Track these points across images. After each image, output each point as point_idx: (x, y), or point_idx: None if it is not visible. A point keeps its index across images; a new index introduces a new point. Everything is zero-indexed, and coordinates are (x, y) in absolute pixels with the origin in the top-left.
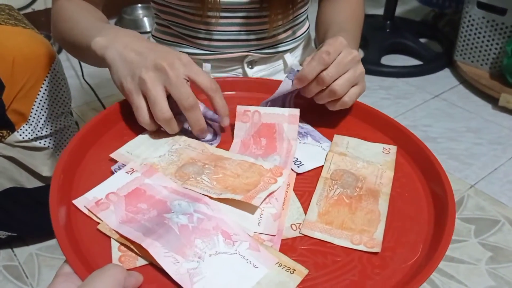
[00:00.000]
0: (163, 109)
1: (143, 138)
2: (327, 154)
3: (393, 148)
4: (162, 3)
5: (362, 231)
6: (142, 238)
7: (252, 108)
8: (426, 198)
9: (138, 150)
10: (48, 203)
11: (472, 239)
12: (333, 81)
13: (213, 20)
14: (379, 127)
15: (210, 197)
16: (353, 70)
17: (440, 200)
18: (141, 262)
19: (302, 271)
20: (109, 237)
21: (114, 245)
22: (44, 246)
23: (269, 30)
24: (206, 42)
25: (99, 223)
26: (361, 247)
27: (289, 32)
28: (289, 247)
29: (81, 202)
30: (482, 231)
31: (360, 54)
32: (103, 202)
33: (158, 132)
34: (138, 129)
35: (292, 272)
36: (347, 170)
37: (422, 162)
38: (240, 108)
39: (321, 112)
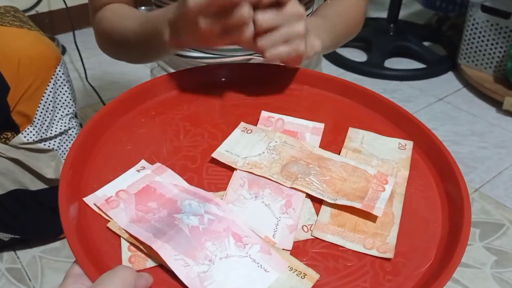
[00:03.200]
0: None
1: (237, 136)
2: (340, 151)
3: (409, 144)
4: (164, 6)
5: (375, 234)
6: (152, 240)
7: (276, 116)
8: (441, 200)
9: (237, 148)
10: (51, 206)
11: (477, 243)
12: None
13: None
14: (394, 120)
15: (326, 202)
16: (288, 26)
17: (455, 203)
18: (151, 263)
19: (313, 276)
20: (119, 236)
21: (124, 244)
22: (47, 248)
23: None
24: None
25: (109, 221)
26: (373, 252)
27: None
28: (300, 250)
29: (91, 200)
30: (487, 235)
31: (363, 57)
32: (113, 199)
33: (250, 130)
34: (144, 122)
35: (303, 277)
36: (362, 168)
37: (438, 161)
38: (264, 114)
39: (335, 103)
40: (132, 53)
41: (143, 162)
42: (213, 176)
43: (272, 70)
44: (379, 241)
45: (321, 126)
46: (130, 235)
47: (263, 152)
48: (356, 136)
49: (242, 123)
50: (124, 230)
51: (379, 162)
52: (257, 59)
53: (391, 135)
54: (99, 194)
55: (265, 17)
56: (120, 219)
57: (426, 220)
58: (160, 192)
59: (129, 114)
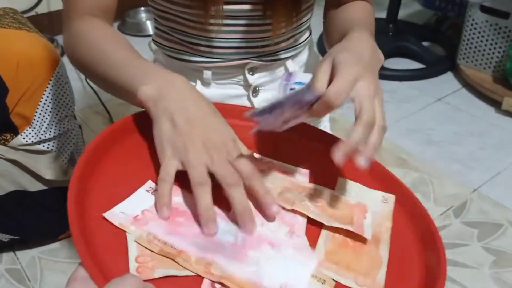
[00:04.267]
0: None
1: None
2: (330, 198)
3: (391, 198)
4: (162, 9)
5: (366, 274)
6: (200, 253)
7: (267, 158)
8: (417, 250)
9: None
10: (50, 207)
11: (475, 243)
12: None
13: (215, 27)
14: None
15: (323, 224)
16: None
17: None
18: (158, 274)
19: (331, 282)
20: (126, 247)
21: (132, 255)
22: (46, 249)
23: (272, 37)
24: (207, 49)
25: (117, 232)
26: None
27: (291, 40)
28: None
29: (113, 218)
30: (485, 235)
31: None
32: (140, 218)
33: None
34: (151, 145)
35: (323, 283)
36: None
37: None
38: (256, 155)
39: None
40: (101, 84)
41: (150, 183)
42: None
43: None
44: (369, 279)
45: (306, 171)
46: (164, 247)
47: None
48: (345, 186)
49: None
50: (160, 241)
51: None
52: (254, 62)
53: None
54: (116, 211)
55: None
56: (157, 230)
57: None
58: (183, 210)
59: (143, 130)
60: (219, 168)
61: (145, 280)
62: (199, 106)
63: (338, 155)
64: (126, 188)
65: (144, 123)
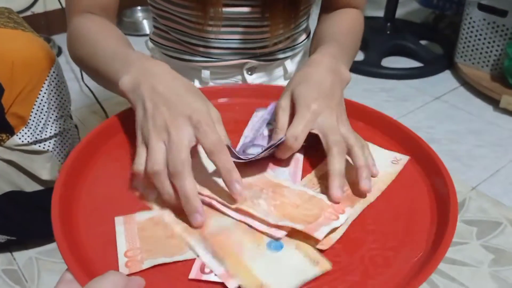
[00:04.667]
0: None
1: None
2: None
3: (404, 159)
4: (161, 8)
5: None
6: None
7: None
8: (429, 196)
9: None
10: (47, 207)
11: (474, 241)
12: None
13: (214, 29)
14: (378, 126)
15: (268, 223)
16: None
17: (443, 199)
18: (146, 265)
19: (326, 265)
20: (113, 245)
21: (121, 250)
22: (44, 250)
23: (270, 38)
24: (205, 50)
25: (105, 230)
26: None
27: (289, 40)
28: None
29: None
30: (484, 233)
31: (360, 56)
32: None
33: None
34: None
35: (315, 264)
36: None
37: (423, 159)
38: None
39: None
40: (98, 80)
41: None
42: None
43: (269, 91)
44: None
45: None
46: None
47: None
48: None
49: None
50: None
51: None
52: (252, 62)
53: (372, 139)
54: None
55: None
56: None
57: (414, 217)
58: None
59: (128, 129)
60: (172, 154)
61: (134, 273)
62: (171, 89)
63: (337, 192)
64: (114, 187)
65: (129, 121)
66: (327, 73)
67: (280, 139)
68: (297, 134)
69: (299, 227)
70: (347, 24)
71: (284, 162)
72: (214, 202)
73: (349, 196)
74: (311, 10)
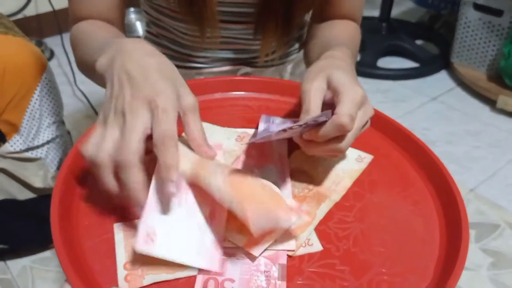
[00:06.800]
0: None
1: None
2: (292, 153)
3: (368, 157)
4: (155, 17)
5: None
6: None
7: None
8: (438, 218)
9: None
10: (40, 215)
11: (472, 244)
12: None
13: (211, 46)
14: (391, 136)
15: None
16: (365, 127)
17: (453, 222)
18: (147, 281)
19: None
20: (113, 255)
21: (120, 261)
22: (37, 258)
23: (262, 51)
24: (199, 59)
25: (104, 239)
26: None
27: (282, 50)
28: (296, 268)
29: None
30: (482, 236)
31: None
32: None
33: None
34: None
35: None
36: (305, 171)
37: (435, 178)
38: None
39: None
40: (91, 78)
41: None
42: None
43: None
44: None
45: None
46: None
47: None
48: None
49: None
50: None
51: (326, 168)
52: (245, 68)
53: (386, 150)
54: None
55: (345, 145)
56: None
57: (424, 240)
58: None
59: None
60: (122, 142)
61: None
62: (140, 67)
63: (345, 118)
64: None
65: None
66: (353, 69)
67: (320, 116)
68: (353, 114)
69: (239, 242)
70: (348, 34)
71: (269, 160)
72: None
73: (315, 195)
74: (305, 25)
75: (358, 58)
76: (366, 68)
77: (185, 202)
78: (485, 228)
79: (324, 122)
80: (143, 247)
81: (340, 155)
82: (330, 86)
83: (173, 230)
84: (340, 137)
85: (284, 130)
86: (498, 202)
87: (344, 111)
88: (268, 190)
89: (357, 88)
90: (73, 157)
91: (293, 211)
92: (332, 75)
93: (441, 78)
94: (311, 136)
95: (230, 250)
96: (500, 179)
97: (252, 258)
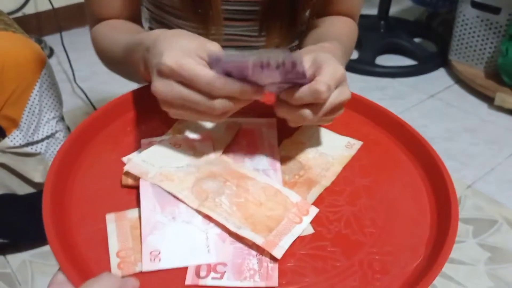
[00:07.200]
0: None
1: (160, 148)
2: (283, 141)
3: (357, 144)
4: (158, 14)
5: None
6: None
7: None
8: (428, 199)
9: (156, 158)
10: (40, 210)
11: (470, 239)
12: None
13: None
14: (381, 123)
15: (228, 230)
16: (338, 112)
17: (442, 201)
18: (140, 268)
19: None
20: (106, 244)
21: (113, 250)
22: (37, 252)
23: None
24: None
25: (98, 228)
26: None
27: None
28: (287, 251)
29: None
30: (480, 231)
31: (354, 54)
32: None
33: (177, 146)
34: (130, 131)
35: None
36: (295, 158)
37: (425, 160)
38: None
39: None
40: (126, 76)
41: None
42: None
43: None
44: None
45: (273, 121)
46: None
47: (182, 166)
48: (308, 130)
49: (173, 136)
50: None
51: (317, 155)
52: None
53: (375, 136)
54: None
55: (316, 116)
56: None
57: (414, 220)
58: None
59: (115, 123)
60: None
61: (128, 275)
62: (169, 45)
63: (322, 86)
64: (106, 183)
65: (115, 113)
66: (341, 62)
67: (300, 64)
68: (330, 84)
69: (258, 241)
70: (346, 29)
71: (260, 149)
72: (176, 197)
73: (306, 181)
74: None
75: (357, 55)
76: (364, 65)
77: (178, 213)
78: (482, 224)
79: (302, 85)
80: (150, 266)
81: (304, 125)
82: (314, 64)
83: (175, 242)
84: (312, 106)
85: (261, 66)
86: (496, 198)
87: (322, 79)
88: (271, 197)
89: (339, 67)
90: (65, 149)
91: (300, 211)
92: (318, 55)
93: (439, 76)
94: (286, 97)
95: (222, 235)
96: (497, 175)
97: (273, 259)
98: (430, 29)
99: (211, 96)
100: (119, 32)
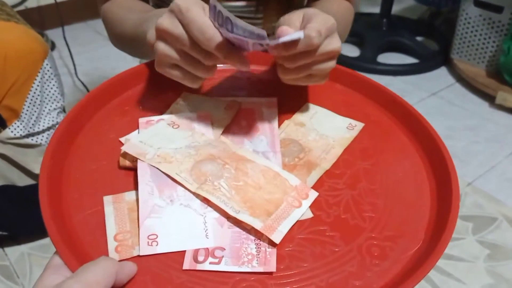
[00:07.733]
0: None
1: (158, 128)
2: (283, 122)
3: (359, 125)
4: None
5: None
6: None
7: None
8: (429, 184)
9: (153, 139)
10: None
11: (470, 236)
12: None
13: None
14: (383, 103)
15: (227, 214)
16: (329, 63)
17: (443, 187)
18: (137, 251)
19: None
20: (104, 227)
21: (110, 233)
22: (36, 245)
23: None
24: None
25: (94, 211)
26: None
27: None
28: (286, 236)
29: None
30: (480, 228)
31: (355, 52)
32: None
33: (175, 126)
34: (128, 111)
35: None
36: (296, 140)
37: (426, 142)
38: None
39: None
40: (133, 50)
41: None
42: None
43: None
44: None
45: (274, 100)
46: None
47: (180, 147)
48: (308, 111)
49: (171, 115)
50: None
51: (317, 137)
52: None
53: (377, 117)
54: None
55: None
56: None
57: (414, 205)
58: None
59: (112, 102)
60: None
61: (125, 259)
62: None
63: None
64: (103, 165)
65: (108, 94)
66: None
67: (293, 34)
68: (321, 31)
69: (257, 225)
70: (340, 10)
71: (260, 130)
72: (174, 179)
73: (306, 163)
74: (304, 2)
75: (358, 53)
76: (366, 63)
77: (176, 196)
78: (482, 221)
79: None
80: (148, 250)
81: (312, 78)
82: (304, 17)
83: (173, 225)
84: (306, 54)
85: (261, 45)
86: (496, 195)
87: (313, 26)
88: (270, 180)
89: (330, 17)
90: (62, 131)
91: (299, 194)
92: (307, 10)
93: (441, 74)
94: (278, 51)
95: (220, 219)
96: (498, 173)
97: (272, 244)
98: (432, 28)
99: (200, 46)
100: (128, 11)
